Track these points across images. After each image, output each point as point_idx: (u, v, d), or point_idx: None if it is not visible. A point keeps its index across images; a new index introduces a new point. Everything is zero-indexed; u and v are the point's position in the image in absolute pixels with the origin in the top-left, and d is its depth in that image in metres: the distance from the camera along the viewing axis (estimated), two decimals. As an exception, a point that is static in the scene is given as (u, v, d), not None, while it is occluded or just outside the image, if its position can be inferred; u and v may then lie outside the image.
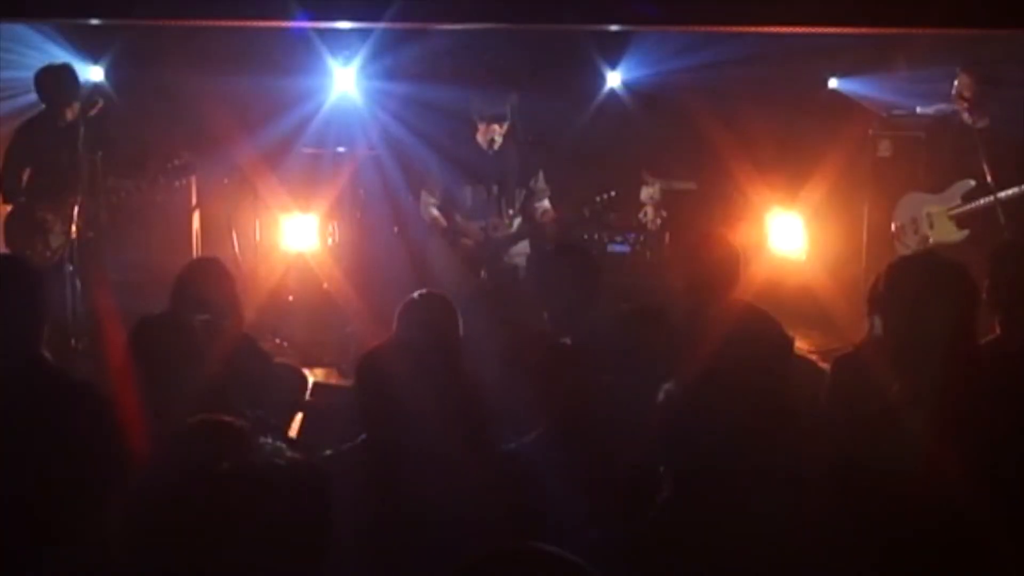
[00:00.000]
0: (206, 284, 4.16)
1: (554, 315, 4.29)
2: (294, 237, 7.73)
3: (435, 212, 6.51)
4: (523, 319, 5.48)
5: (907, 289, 2.96)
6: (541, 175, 6.54)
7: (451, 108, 6.84)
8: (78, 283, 6.28)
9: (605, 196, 6.27)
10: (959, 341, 2.90)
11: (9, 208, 6.67)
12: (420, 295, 4.15)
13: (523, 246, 6.48)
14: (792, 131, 7.73)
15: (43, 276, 3.30)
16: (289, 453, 2.26)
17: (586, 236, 7.57)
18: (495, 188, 6.42)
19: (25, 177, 6.58)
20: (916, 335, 2.89)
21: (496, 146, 6.39)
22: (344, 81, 7.96)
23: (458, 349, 3.96)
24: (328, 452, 3.06)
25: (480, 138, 6.40)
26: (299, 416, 4.57)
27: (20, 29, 7.20)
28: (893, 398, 2.87)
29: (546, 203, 6.53)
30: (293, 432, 4.35)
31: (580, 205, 6.48)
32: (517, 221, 6.45)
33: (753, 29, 6.67)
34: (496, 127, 6.34)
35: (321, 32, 7.31)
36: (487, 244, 6.40)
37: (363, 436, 3.09)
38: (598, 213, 6.46)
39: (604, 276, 4.77)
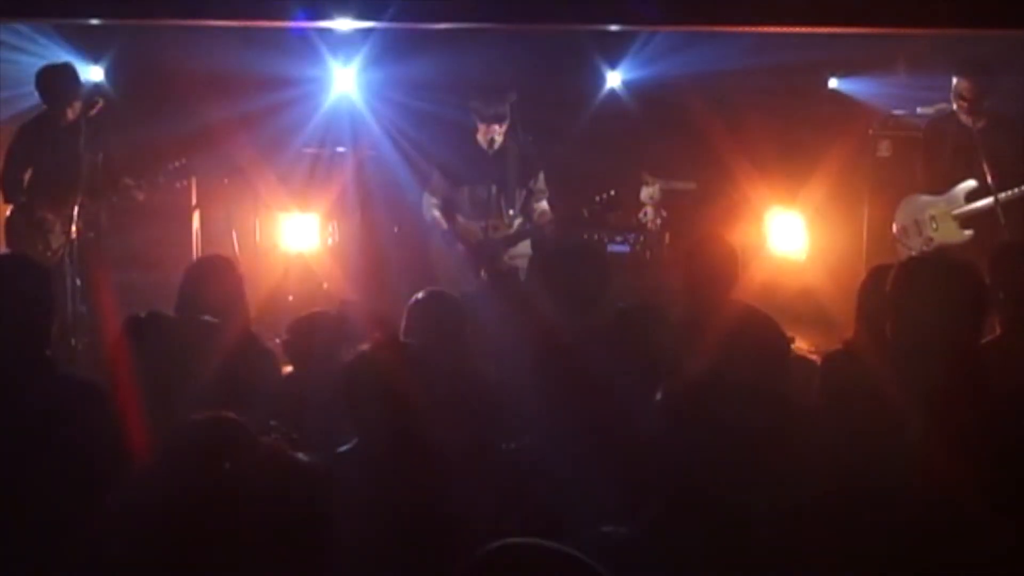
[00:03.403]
0: (212, 282, 4.15)
1: (560, 312, 4.27)
2: (294, 237, 7.74)
3: (436, 213, 6.50)
4: (523, 320, 5.48)
5: (919, 290, 2.95)
6: (541, 176, 6.53)
7: (452, 108, 6.83)
8: (78, 283, 6.28)
9: (604, 196, 6.25)
10: (965, 342, 2.90)
11: (10, 208, 6.67)
12: (428, 294, 4.15)
13: (523, 247, 6.47)
14: (792, 131, 7.73)
15: (49, 275, 3.29)
16: (289, 452, 2.27)
17: (586, 236, 7.57)
18: (494, 188, 6.40)
19: (26, 177, 6.58)
20: (925, 335, 2.88)
21: (496, 146, 6.38)
22: (344, 81, 7.96)
23: (466, 348, 3.97)
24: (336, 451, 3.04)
25: (480, 138, 6.39)
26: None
27: (20, 29, 7.20)
28: (894, 398, 2.86)
29: (544, 204, 6.52)
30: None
31: (579, 205, 6.48)
32: (517, 222, 6.44)
33: (753, 29, 6.67)
34: (496, 127, 6.32)
35: (321, 32, 7.32)
36: (486, 245, 6.39)
37: (355, 440, 3.07)
38: (597, 213, 6.44)
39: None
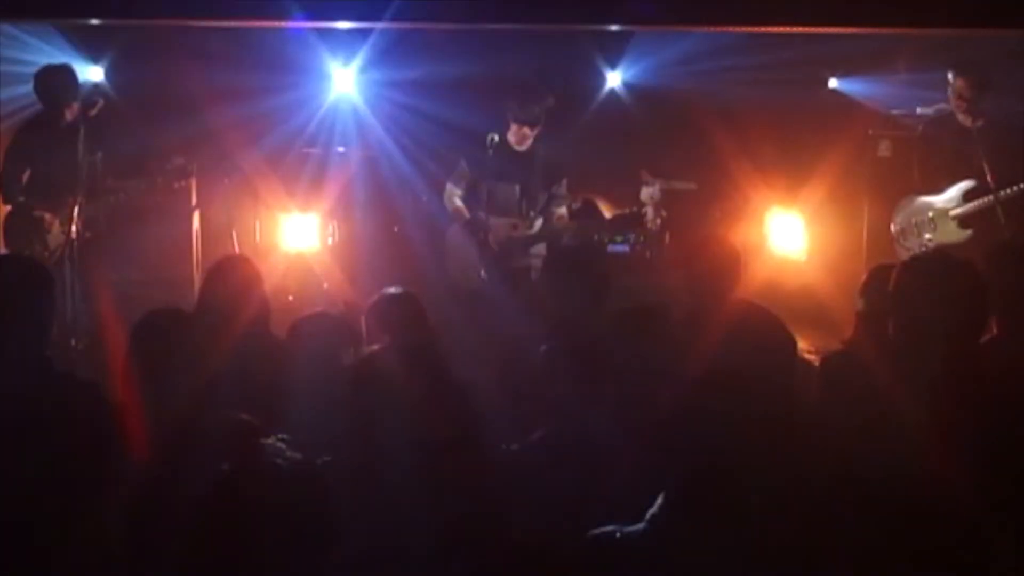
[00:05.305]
0: (229, 281, 4.16)
1: (564, 313, 4.28)
2: (294, 237, 7.74)
3: (459, 203, 6.52)
4: (526, 320, 5.49)
5: (922, 289, 2.95)
6: (564, 182, 6.56)
7: (485, 106, 6.81)
8: (78, 283, 6.28)
9: (628, 210, 6.35)
10: (964, 341, 2.90)
11: (8, 208, 6.67)
12: (381, 297, 4.14)
13: (541, 248, 6.49)
14: (792, 131, 7.73)
15: (50, 276, 3.28)
16: (289, 453, 2.27)
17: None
18: (518, 189, 6.43)
19: (24, 177, 6.58)
20: (925, 334, 2.88)
21: (525, 148, 6.40)
22: (344, 81, 7.96)
23: (431, 343, 3.93)
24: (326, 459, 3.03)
25: (511, 138, 6.40)
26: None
27: (20, 29, 7.20)
28: (894, 398, 2.86)
29: (563, 209, 6.56)
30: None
31: (599, 216, 6.55)
32: (538, 223, 6.46)
33: (753, 29, 6.68)
34: (527, 129, 6.35)
35: (321, 32, 7.32)
36: (506, 243, 6.41)
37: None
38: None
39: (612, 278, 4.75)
